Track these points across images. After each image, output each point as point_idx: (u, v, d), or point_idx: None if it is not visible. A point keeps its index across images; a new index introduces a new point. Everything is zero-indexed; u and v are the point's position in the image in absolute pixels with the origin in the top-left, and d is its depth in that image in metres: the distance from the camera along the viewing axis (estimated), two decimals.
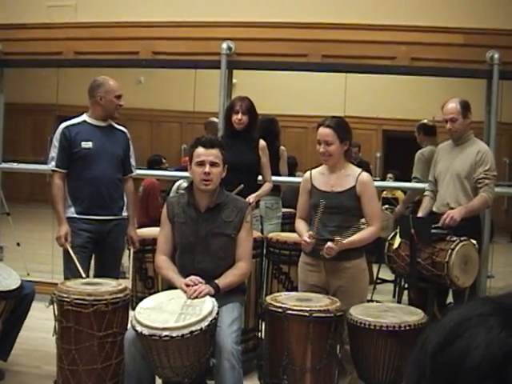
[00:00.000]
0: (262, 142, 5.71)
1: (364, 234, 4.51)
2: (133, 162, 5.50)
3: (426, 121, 7.41)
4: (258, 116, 5.79)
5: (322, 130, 4.55)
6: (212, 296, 4.05)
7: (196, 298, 4.00)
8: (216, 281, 4.16)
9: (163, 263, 4.39)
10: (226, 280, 4.22)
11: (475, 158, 5.38)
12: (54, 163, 5.21)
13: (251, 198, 5.31)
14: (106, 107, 5.28)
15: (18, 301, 4.94)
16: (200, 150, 4.33)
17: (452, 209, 5.30)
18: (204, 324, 3.75)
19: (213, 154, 4.31)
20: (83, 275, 4.87)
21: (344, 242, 4.37)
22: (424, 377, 0.89)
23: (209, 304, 3.92)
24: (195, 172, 4.31)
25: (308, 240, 4.45)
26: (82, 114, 5.34)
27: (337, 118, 4.70)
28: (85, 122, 5.28)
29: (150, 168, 8.43)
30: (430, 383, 0.88)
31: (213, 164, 4.29)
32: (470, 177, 5.39)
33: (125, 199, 5.39)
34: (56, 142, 5.22)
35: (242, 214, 4.38)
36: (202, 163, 4.29)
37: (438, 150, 5.79)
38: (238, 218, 4.37)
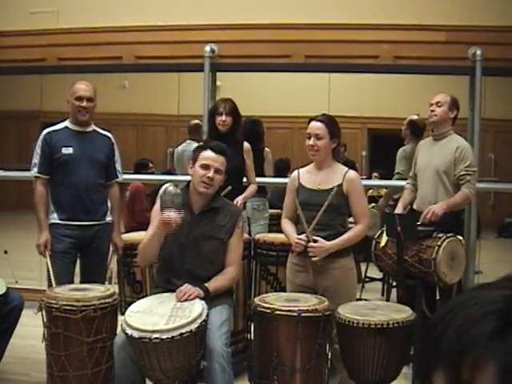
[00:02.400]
0: (246, 145, 5.71)
1: (352, 232, 4.53)
2: (118, 167, 5.46)
3: (416, 117, 7.39)
4: (241, 117, 5.80)
5: (313, 123, 4.58)
6: (201, 299, 4.05)
7: (186, 300, 4.00)
8: (206, 284, 4.16)
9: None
10: (215, 284, 4.21)
11: (454, 153, 5.42)
12: (36, 169, 5.21)
13: (239, 200, 5.32)
14: (72, 110, 5.27)
15: (7, 312, 4.91)
16: (209, 153, 4.31)
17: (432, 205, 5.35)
18: (194, 326, 3.76)
19: (220, 162, 4.30)
20: (53, 284, 4.86)
21: (333, 243, 4.41)
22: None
23: (198, 306, 3.92)
24: (197, 173, 4.28)
25: (301, 242, 4.46)
26: (65, 120, 5.33)
27: (329, 115, 4.73)
28: (66, 127, 5.27)
29: (136, 172, 8.43)
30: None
31: (217, 171, 4.28)
32: (448, 172, 5.43)
33: (108, 204, 5.37)
34: (38, 149, 5.22)
35: (235, 220, 4.38)
36: (207, 167, 4.27)
37: (419, 146, 5.86)
38: (231, 223, 4.36)
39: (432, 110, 5.58)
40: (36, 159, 5.22)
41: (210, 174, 4.24)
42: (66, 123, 5.30)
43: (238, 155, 5.62)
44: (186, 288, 4.06)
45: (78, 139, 5.23)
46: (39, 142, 5.23)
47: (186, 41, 7.28)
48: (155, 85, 10.19)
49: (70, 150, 5.16)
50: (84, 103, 5.20)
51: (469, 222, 6.45)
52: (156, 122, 12.74)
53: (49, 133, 5.24)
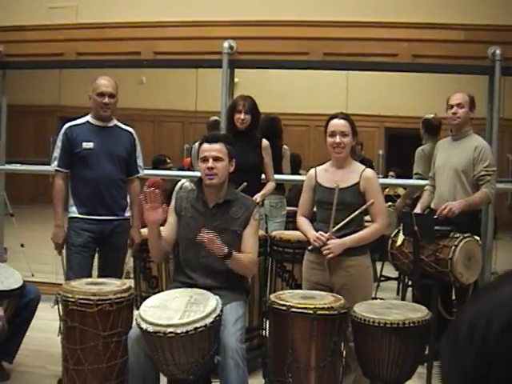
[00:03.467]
0: (264, 142, 5.71)
1: (368, 230, 4.52)
2: (139, 162, 5.45)
3: (431, 116, 7.35)
4: (260, 115, 5.79)
5: (337, 121, 4.56)
6: (223, 258, 4.09)
7: (209, 242, 4.02)
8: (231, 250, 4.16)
9: None
10: (238, 254, 4.21)
11: (473, 153, 5.40)
12: (56, 163, 5.23)
13: (258, 198, 5.32)
14: (93, 106, 5.27)
15: (23, 305, 4.95)
16: (204, 145, 4.38)
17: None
18: (208, 321, 3.76)
19: (216, 149, 4.33)
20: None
21: (347, 239, 4.40)
22: (492, 364, 0.81)
23: (213, 301, 3.93)
24: (200, 168, 4.35)
25: (322, 238, 4.46)
26: (87, 114, 5.34)
27: (345, 113, 4.72)
28: (88, 122, 5.28)
29: (154, 168, 8.44)
30: (505, 368, 0.81)
31: (216, 159, 4.31)
32: (467, 171, 5.41)
33: (128, 200, 5.37)
34: (59, 142, 5.24)
35: (250, 212, 4.39)
36: (205, 159, 4.32)
37: (437, 146, 5.83)
38: (245, 215, 4.37)
39: (454, 113, 5.54)
40: (56, 153, 5.24)
41: (209, 164, 4.29)
42: (88, 118, 5.30)
43: (255, 153, 5.63)
44: (214, 236, 4.06)
45: (99, 134, 5.23)
46: (60, 136, 5.25)
47: (205, 37, 7.25)
48: (173, 80, 10.21)
49: (90, 145, 5.17)
50: (106, 99, 5.19)
51: (486, 223, 6.41)
52: (173, 117, 12.76)
53: (70, 127, 5.25)
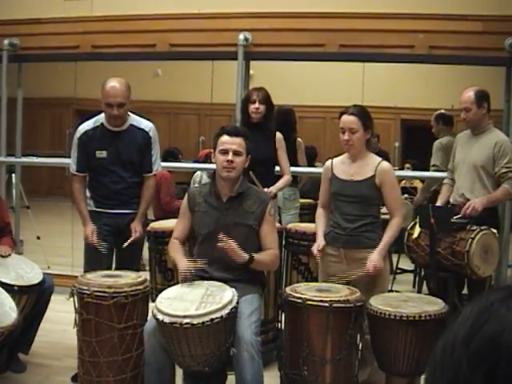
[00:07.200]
0: (278, 135, 5.67)
1: (393, 228, 4.51)
2: (154, 159, 5.26)
3: (443, 110, 7.35)
4: (274, 106, 5.76)
5: (346, 117, 4.52)
6: (244, 264, 4.14)
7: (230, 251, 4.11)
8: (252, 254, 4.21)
9: (173, 245, 4.48)
10: (259, 256, 4.25)
11: (493, 149, 5.29)
12: (74, 167, 5.19)
13: (272, 190, 5.28)
14: (104, 113, 5.13)
15: (38, 296, 4.97)
16: (224, 138, 4.35)
17: (468, 200, 5.25)
18: (224, 312, 3.77)
19: (236, 143, 4.33)
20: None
21: (384, 247, 4.43)
22: (461, 368, 0.88)
23: (229, 293, 3.94)
24: (218, 159, 4.33)
25: (315, 252, 4.57)
26: (101, 112, 5.16)
27: (359, 106, 4.66)
28: (102, 126, 5.15)
29: (164, 160, 8.38)
30: (469, 373, 0.87)
31: (236, 153, 4.31)
32: (486, 167, 5.31)
33: None
34: (75, 146, 5.19)
35: (264, 206, 4.38)
36: (225, 151, 4.31)
37: (457, 140, 5.72)
38: (260, 209, 4.36)
39: (464, 118, 5.46)
40: (74, 157, 5.21)
41: (229, 157, 4.28)
42: (102, 119, 5.15)
43: (269, 145, 5.60)
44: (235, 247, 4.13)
45: (112, 140, 5.11)
46: (75, 140, 5.19)
47: (220, 29, 7.22)
48: (188, 73, 10.18)
49: (103, 154, 5.09)
50: (114, 111, 5.00)
51: (503, 215, 6.37)
52: (189, 110, 12.73)
53: (85, 132, 5.15)
